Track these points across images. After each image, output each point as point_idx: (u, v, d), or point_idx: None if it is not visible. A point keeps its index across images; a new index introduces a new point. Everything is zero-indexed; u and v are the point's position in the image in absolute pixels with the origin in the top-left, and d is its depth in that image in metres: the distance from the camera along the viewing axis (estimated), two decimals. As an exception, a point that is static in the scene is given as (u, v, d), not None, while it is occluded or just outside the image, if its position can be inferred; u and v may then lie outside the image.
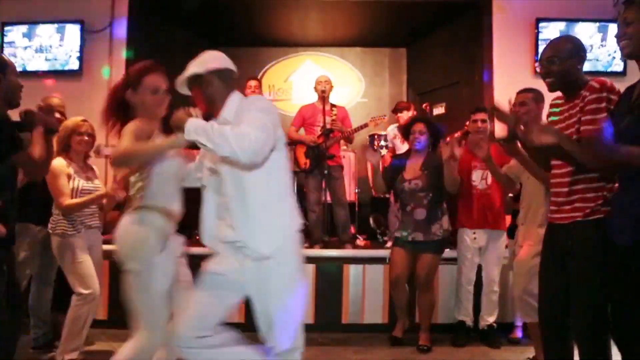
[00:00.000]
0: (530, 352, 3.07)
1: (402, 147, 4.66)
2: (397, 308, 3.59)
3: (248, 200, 1.81)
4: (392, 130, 5.03)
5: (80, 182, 2.95)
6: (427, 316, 3.46)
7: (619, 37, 1.80)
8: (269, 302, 1.84)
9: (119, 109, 2.09)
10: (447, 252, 3.86)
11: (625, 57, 1.82)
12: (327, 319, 3.79)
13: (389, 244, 4.07)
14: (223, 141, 1.62)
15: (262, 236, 1.82)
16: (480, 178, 3.52)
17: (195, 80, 1.90)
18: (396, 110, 5.12)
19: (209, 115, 1.88)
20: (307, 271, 3.82)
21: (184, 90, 1.97)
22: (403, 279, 3.43)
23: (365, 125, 4.54)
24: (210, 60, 1.92)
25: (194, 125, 1.67)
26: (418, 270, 3.37)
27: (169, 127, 1.82)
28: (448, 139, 3.42)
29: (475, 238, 3.50)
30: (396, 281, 3.43)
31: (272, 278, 1.83)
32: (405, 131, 3.57)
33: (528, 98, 2.80)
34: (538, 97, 2.82)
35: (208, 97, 1.89)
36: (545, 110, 2.36)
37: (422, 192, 3.35)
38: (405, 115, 4.97)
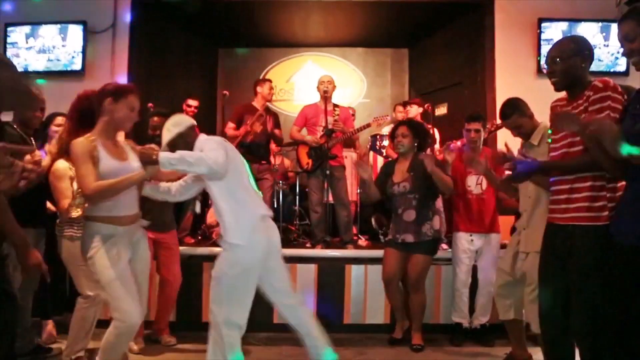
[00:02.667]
0: (532, 351, 3.07)
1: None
2: (394, 309, 3.62)
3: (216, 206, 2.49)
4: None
5: None
6: (419, 316, 3.49)
7: (627, 55, 1.81)
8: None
9: (86, 114, 2.45)
10: (447, 253, 3.87)
11: None
12: (328, 319, 3.78)
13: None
14: (188, 163, 2.27)
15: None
16: (475, 183, 3.55)
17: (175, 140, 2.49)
18: (405, 103, 5.11)
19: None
20: (309, 271, 3.83)
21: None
22: (396, 279, 3.47)
23: (368, 125, 4.53)
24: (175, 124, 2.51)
25: (166, 157, 2.26)
26: (409, 271, 3.41)
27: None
28: (439, 148, 3.44)
29: (472, 241, 3.53)
30: (389, 282, 3.47)
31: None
32: (391, 135, 3.62)
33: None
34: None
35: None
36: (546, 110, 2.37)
37: (411, 193, 3.38)
38: (415, 110, 4.96)
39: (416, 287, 3.41)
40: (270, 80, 4.95)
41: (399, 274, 3.47)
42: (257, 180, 4.65)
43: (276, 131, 4.74)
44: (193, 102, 5.10)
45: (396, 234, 3.43)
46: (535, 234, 2.67)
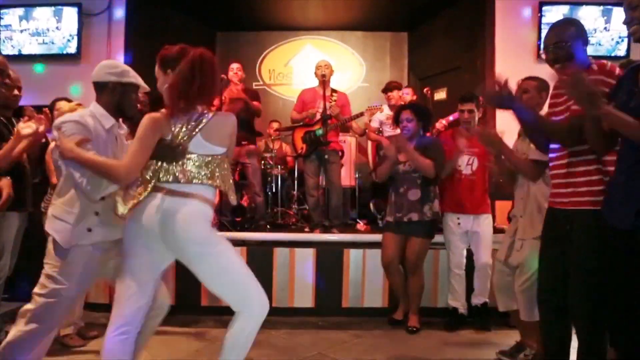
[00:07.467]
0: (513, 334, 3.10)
1: (391, 132, 4.64)
2: (395, 291, 3.66)
3: None
4: (380, 116, 4.93)
5: None
6: (417, 299, 3.53)
7: (627, 23, 1.78)
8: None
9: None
10: (442, 237, 3.89)
11: (636, 41, 1.80)
12: (327, 303, 3.82)
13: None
14: None
15: None
16: (465, 163, 3.55)
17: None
18: (386, 89, 5.04)
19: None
20: (307, 255, 3.84)
21: None
22: (395, 262, 3.50)
23: (361, 114, 4.52)
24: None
25: None
26: (407, 254, 3.45)
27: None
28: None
29: (459, 223, 3.54)
30: (388, 265, 3.51)
31: None
32: (395, 118, 3.64)
33: (531, 86, 2.76)
34: (541, 85, 2.77)
35: None
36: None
37: (415, 173, 3.43)
38: (396, 95, 4.92)
39: (414, 270, 3.45)
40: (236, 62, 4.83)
41: (398, 257, 3.50)
42: (237, 165, 4.62)
43: (254, 103, 4.56)
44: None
45: (397, 212, 3.45)
46: (530, 221, 2.71)
